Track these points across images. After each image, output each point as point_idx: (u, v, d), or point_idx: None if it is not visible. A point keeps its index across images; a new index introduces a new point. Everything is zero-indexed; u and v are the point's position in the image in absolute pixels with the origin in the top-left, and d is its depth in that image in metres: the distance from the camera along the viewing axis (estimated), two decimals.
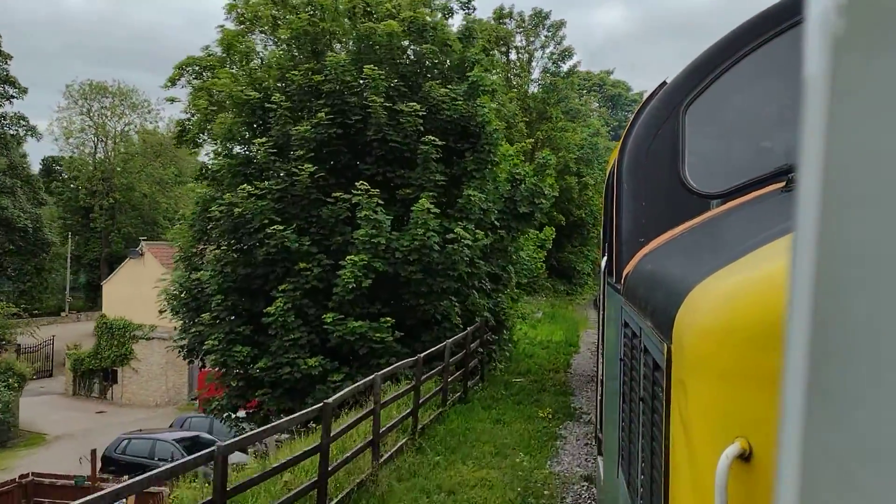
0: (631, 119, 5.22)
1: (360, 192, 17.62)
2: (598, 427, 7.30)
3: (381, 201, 17.70)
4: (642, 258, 4.29)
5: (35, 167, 61.86)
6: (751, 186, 4.28)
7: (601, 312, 7.92)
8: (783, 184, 3.76)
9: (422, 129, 18.73)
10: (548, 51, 47.99)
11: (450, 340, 16.03)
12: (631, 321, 3.89)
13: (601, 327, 7.96)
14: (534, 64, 48.72)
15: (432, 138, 18.42)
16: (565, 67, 48.65)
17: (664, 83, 5.07)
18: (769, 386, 1.93)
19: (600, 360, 7.54)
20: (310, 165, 17.83)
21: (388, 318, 17.53)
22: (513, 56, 48.77)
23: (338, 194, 17.79)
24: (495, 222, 20.00)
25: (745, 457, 1.94)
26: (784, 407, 0.50)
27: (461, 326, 18.27)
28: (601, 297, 7.68)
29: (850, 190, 0.47)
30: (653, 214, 4.62)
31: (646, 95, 5.73)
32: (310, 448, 9.61)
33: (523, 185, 20.95)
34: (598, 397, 7.59)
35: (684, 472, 2.24)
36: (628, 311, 4.04)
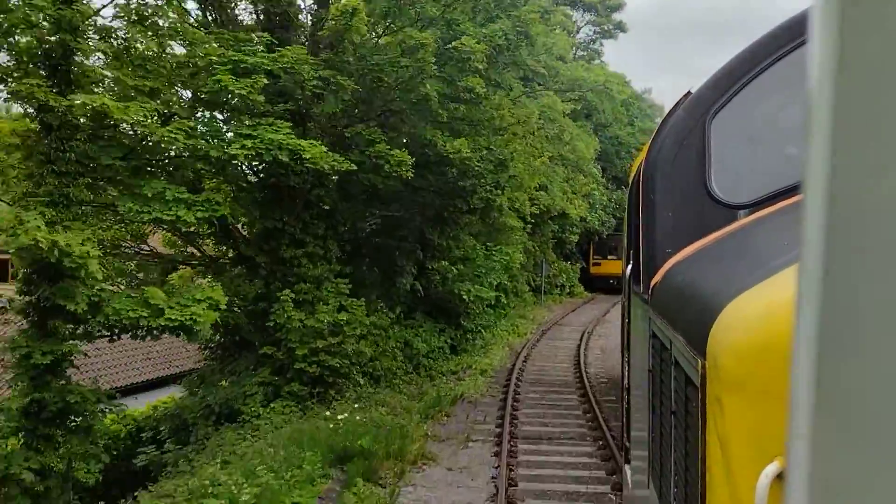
0: (657, 129, 5.23)
1: None
2: (626, 435, 7.29)
3: None
4: (670, 269, 4.30)
5: None
6: (778, 196, 4.27)
7: (625, 319, 7.91)
8: None
9: None
10: None
11: None
12: (660, 333, 3.91)
13: (626, 333, 7.96)
14: None
15: None
16: None
17: (688, 93, 5.08)
18: None
19: (626, 368, 7.53)
20: None
21: None
22: None
23: None
24: None
25: (784, 476, 1.96)
26: (793, 406, 0.52)
27: None
28: (626, 304, 7.68)
29: (856, 190, 0.47)
30: (679, 224, 4.63)
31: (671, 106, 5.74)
32: None
33: None
34: (624, 405, 7.58)
35: (721, 490, 2.25)
36: (657, 322, 4.05)
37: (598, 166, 44.84)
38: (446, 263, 22.00)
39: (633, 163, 7.73)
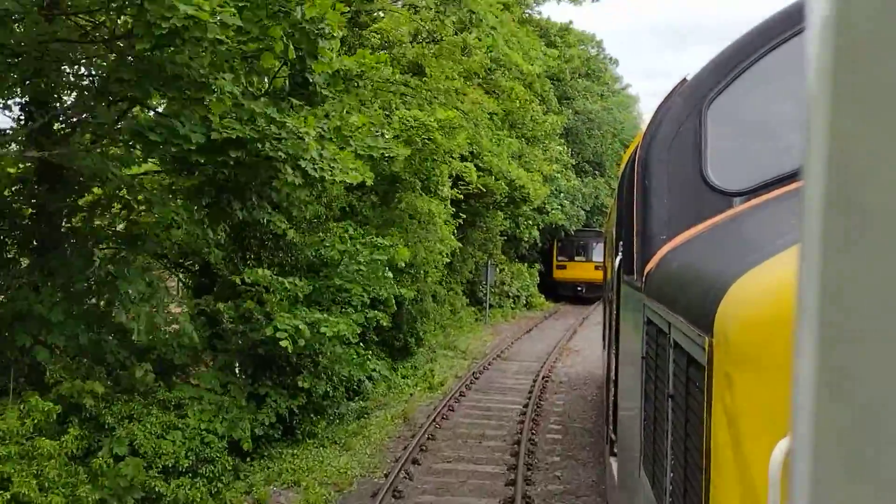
0: (652, 115, 5.20)
1: None
2: (612, 428, 7.27)
3: None
4: (666, 255, 4.26)
5: None
6: (774, 184, 4.25)
7: (613, 312, 7.89)
8: None
9: None
10: None
11: None
12: (656, 318, 3.86)
13: (613, 327, 7.94)
14: None
15: None
16: None
17: (684, 80, 5.04)
18: None
19: (613, 360, 7.51)
20: None
21: None
22: None
23: None
24: None
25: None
26: (795, 397, 0.53)
27: None
28: (613, 295, 7.65)
29: (855, 188, 0.49)
30: (675, 212, 4.59)
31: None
32: None
33: None
34: (611, 398, 7.56)
35: (729, 466, 2.21)
36: (652, 307, 4.01)
37: (566, 148, 35.27)
38: (268, 273, 11.37)
39: (626, 151, 7.71)
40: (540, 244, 36.39)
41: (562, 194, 35.19)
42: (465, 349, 22.12)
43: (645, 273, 4.53)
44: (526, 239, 33.15)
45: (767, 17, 4.74)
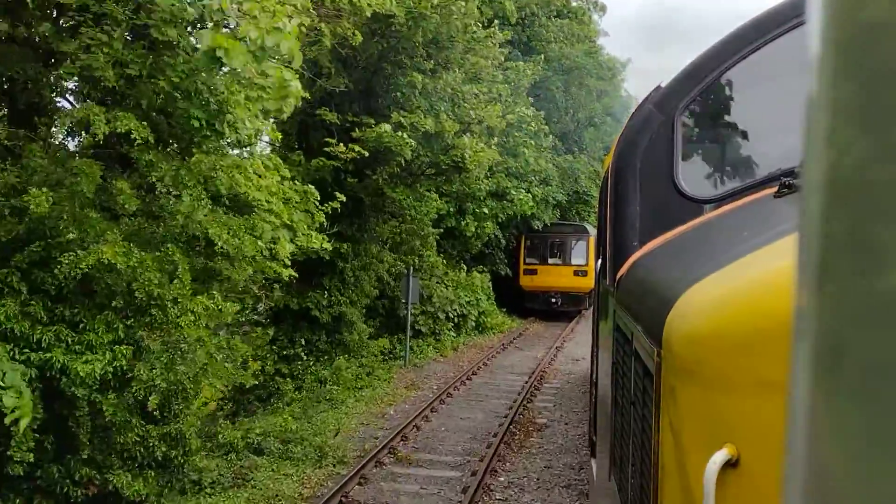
0: (626, 122, 5.24)
1: None
2: (592, 430, 7.33)
3: None
4: (635, 262, 4.31)
5: None
6: (743, 192, 4.30)
7: (595, 314, 7.95)
8: (775, 189, 3.78)
9: None
10: None
11: None
12: (623, 325, 3.91)
13: (595, 329, 8.00)
14: None
15: None
16: None
17: (658, 87, 5.09)
18: (757, 392, 1.95)
19: (594, 362, 7.57)
20: None
21: None
22: None
23: None
24: None
25: (732, 463, 1.96)
26: (791, 404, 0.52)
27: None
28: (595, 299, 7.71)
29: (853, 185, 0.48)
30: (647, 218, 4.64)
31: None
32: None
33: None
34: (592, 399, 7.62)
35: (673, 478, 2.25)
36: (620, 314, 4.06)
37: (540, 115, 23.01)
38: None
39: (606, 156, 7.78)
40: (504, 241, 27.59)
41: (529, 172, 24.04)
42: (328, 441, 11.21)
43: (616, 279, 4.58)
44: (472, 233, 22.64)
45: (739, 26, 4.79)
